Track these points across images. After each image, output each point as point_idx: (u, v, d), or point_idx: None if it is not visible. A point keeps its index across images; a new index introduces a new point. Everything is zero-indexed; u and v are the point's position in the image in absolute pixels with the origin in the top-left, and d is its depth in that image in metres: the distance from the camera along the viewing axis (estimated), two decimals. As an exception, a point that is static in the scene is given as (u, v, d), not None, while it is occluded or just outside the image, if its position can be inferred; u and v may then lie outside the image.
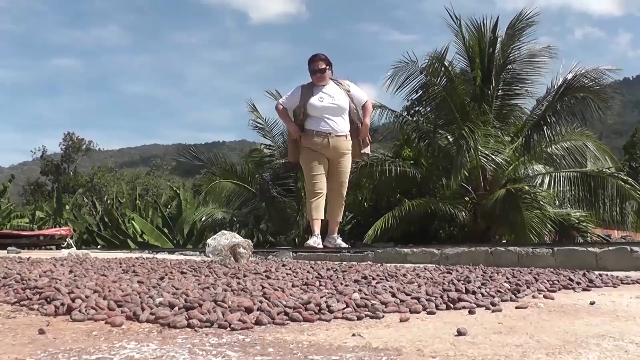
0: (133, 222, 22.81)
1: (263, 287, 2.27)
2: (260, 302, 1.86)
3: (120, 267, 3.76)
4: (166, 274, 3.01)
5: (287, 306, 1.82)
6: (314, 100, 6.02)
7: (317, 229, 6.07)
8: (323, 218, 6.09)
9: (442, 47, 14.70)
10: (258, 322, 1.67)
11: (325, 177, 6.11)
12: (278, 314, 1.75)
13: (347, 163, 6.20)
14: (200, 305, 1.78)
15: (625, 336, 1.49)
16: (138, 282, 2.54)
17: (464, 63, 15.35)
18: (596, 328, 1.63)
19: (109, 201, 33.21)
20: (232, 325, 1.60)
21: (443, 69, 14.70)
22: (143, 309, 1.79)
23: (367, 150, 6.43)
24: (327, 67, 6.18)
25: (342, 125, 6.09)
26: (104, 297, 2.02)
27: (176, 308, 1.79)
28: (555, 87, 14.61)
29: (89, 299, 1.99)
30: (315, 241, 5.90)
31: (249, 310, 1.77)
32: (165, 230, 22.55)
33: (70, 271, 3.21)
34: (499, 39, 14.84)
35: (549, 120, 14.36)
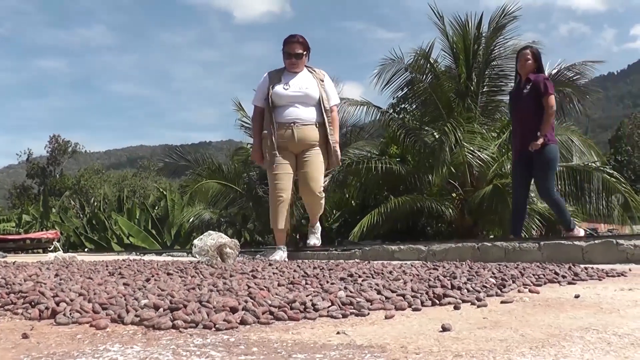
0: (119, 224, 22.72)
1: (249, 287, 2.27)
2: (246, 301, 1.86)
3: (107, 269, 3.74)
4: (152, 276, 3.00)
5: (272, 305, 1.81)
6: (279, 88, 5.59)
7: (280, 241, 5.83)
8: (286, 228, 5.82)
9: (427, 44, 14.76)
10: (243, 322, 1.67)
11: (291, 179, 5.71)
12: (263, 313, 1.75)
13: (316, 156, 5.69)
14: (185, 306, 1.78)
15: (609, 328, 1.49)
16: (124, 284, 2.53)
17: (449, 60, 15.43)
18: (580, 321, 1.64)
19: (95, 203, 33.12)
20: (217, 326, 1.60)
21: (428, 65, 14.77)
22: (128, 311, 1.78)
23: (334, 163, 5.91)
24: (305, 53, 5.72)
25: (309, 113, 5.61)
26: (89, 300, 2.01)
27: (161, 309, 1.78)
28: (540, 82, 14.64)
29: (74, 302, 1.98)
30: (281, 256, 5.58)
31: (234, 310, 1.76)
32: (153, 231, 22.48)
33: (56, 275, 3.19)
34: (483, 35, 14.90)
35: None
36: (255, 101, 5.85)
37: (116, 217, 23.29)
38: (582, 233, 6.57)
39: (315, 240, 6.15)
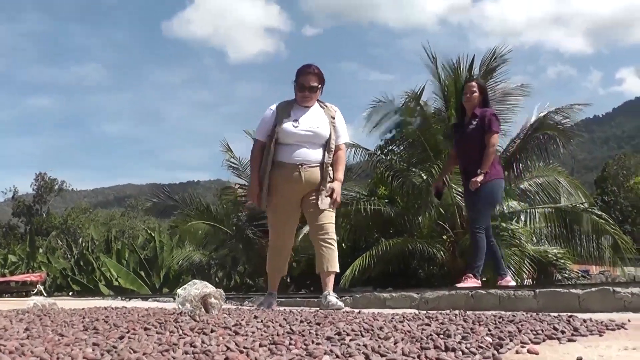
0: (107, 266, 22.50)
1: (227, 349, 2.11)
2: (222, 370, 1.70)
3: (82, 322, 3.56)
4: (128, 331, 2.83)
5: (250, 376, 1.66)
6: (288, 125, 5.06)
7: (273, 286, 5.56)
8: (282, 273, 5.62)
9: (419, 86, 14.88)
10: (218, 396, 1.51)
11: (294, 227, 5.47)
12: (240, 385, 1.59)
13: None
14: (154, 378, 1.61)
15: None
16: (93, 344, 2.36)
17: (439, 102, 15.50)
18: (589, 394, 1.49)
19: (83, 244, 32.84)
20: (188, 402, 1.44)
21: (418, 108, 14.80)
22: (90, 383, 1.61)
23: (325, 204, 5.20)
24: (319, 86, 5.19)
25: (317, 154, 5.10)
26: (50, 367, 1.84)
27: (127, 381, 1.62)
28: (528, 125, 14.78)
29: (33, 369, 1.81)
30: (269, 303, 5.30)
31: (208, 382, 1.60)
32: (142, 273, 22.27)
33: (26, 329, 3.01)
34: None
35: (520, 157, 14.49)
36: (258, 134, 5.32)
37: (104, 259, 23.06)
38: (511, 283, 6.41)
39: (333, 299, 4.97)
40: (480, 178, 6.16)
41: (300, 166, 5.05)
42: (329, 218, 5.24)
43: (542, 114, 14.54)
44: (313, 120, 5.14)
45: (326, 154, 5.14)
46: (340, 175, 5.29)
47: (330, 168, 5.19)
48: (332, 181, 5.19)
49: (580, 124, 15.44)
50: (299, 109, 5.19)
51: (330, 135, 5.15)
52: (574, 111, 14.39)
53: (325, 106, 5.30)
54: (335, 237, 5.31)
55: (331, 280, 5.22)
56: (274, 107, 5.26)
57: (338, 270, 5.31)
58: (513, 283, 6.56)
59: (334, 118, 5.24)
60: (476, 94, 6.39)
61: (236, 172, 19.51)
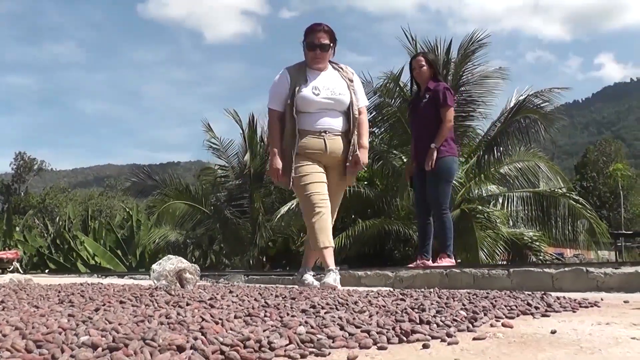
0: (84, 244, 22.35)
1: (202, 319, 2.10)
2: (195, 339, 1.69)
3: (58, 296, 3.54)
4: (104, 304, 2.81)
5: (223, 344, 1.64)
6: (307, 92, 4.68)
7: (331, 262, 4.67)
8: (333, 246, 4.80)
9: (397, 69, 14.78)
10: (190, 363, 1.50)
11: (326, 187, 4.78)
12: (213, 352, 1.58)
13: (343, 185, 5.07)
14: (127, 346, 1.60)
15: (593, 375, 1.36)
16: (69, 315, 2.34)
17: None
18: (560, 364, 1.50)
19: (61, 222, 32.60)
20: (159, 368, 1.43)
21: (398, 89, 14.76)
22: (63, 351, 1.59)
23: (351, 181, 5.10)
24: (331, 45, 4.80)
25: (339, 122, 4.76)
26: (24, 336, 1.82)
27: (99, 349, 1.60)
28: (508, 108, 14.80)
29: (7, 338, 1.78)
30: (335, 279, 4.50)
31: (181, 349, 1.59)
32: (119, 252, 22.16)
33: (1, 301, 2.99)
34: (452, 61, 14.97)
35: (499, 141, 14.51)
36: (273, 103, 4.84)
37: (81, 237, 22.90)
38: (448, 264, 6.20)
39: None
40: (435, 155, 6.05)
41: (324, 133, 4.71)
42: (339, 198, 5.10)
43: (521, 97, 14.58)
44: (333, 85, 4.77)
45: (349, 120, 4.79)
46: (365, 140, 4.90)
47: (355, 135, 4.80)
48: (355, 151, 4.78)
49: (560, 109, 15.50)
50: (313, 72, 4.79)
51: (351, 100, 4.78)
52: (553, 95, 14.44)
53: (340, 68, 4.94)
54: None
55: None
56: (285, 72, 4.81)
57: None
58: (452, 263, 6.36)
59: (351, 81, 4.89)
60: (425, 67, 6.28)
61: (216, 153, 19.43)
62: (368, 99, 15.25)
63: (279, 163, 4.74)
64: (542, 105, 14.33)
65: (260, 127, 19.39)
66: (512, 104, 14.73)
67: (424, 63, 6.31)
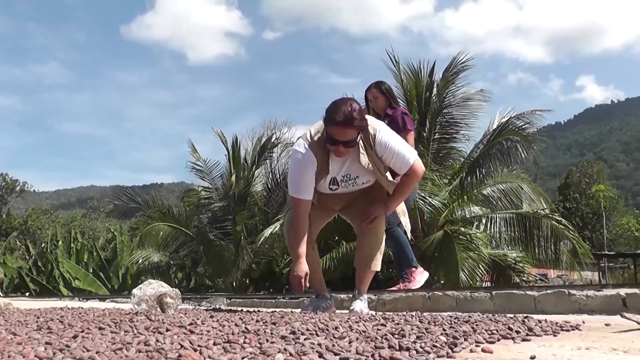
0: (66, 268, 22.20)
1: (181, 346, 2.08)
2: (172, 368, 1.67)
3: (37, 322, 3.50)
4: (82, 331, 2.78)
5: (200, 373, 1.63)
6: (324, 187, 4.08)
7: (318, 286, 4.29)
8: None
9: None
10: (166, 394, 1.48)
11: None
12: (190, 382, 1.57)
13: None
14: (102, 376, 1.58)
15: (571, 403, 1.35)
16: (46, 343, 2.31)
17: (402, 106, 15.53)
18: (538, 391, 1.49)
19: (43, 244, 32.38)
20: (135, 399, 1.41)
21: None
22: (37, 381, 1.58)
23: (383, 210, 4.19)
24: (359, 135, 3.87)
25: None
26: (-1, 364, 1.80)
27: (75, 378, 1.58)
28: (491, 130, 14.93)
29: (-20, 367, 1.76)
30: (318, 306, 4.26)
31: (157, 379, 1.58)
32: (101, 274, 22.03)
33: (-23, 328, 2.95)
34: (436, 83, 15.12)
35: (482, 163, 14.62)
36: (302, 192, 4.00)
37: (62, 260, 22.75)
38: (423, 278, 6.09)
39: (360, 305, 4.29)
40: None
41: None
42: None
43: (504, 119, 14.73)
44: (354, 174, 4.07)
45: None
46: (393, 202, 4.26)
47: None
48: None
49: (542, 130, 15.68)
50: (336, 162, 3.99)
51: (380, 179, 4.09)
52: (535, 117, 14.59)
53: (370, 145, 3.97)
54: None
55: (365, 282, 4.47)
56: (311, 156, 3.94)
57: None
58: (426, 275, 6.25)
59: (379, 155, 3.98)
60: (379, 98, 6.23)
61: (200, 175, 19.42)
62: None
63: (304, 269, 3.97)
64: (524, 127, 14.49)
65: (244, 149, 19.43)
66: (494, 126, 14.89)
67: (376, 95, 6.25)
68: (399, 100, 6.76)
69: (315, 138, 3.96)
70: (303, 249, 3.94)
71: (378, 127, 4.02)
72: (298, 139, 4.14)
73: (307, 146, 3.95)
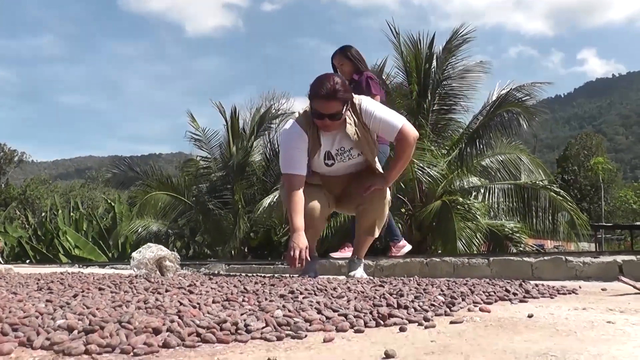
0: (66, 235, 22.24)
1: (180, 304, 2.09)
2: (172, 321, 1.68)
3: (37, 283, 3.52)
4: (82, 291, 2.80)
5: (200, 326, 1.64)
6: (320, 163, 4.09)
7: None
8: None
9: (380, 61, 14.86)
10: (166, 345, 1.49)
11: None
12: (189, 335, 1.57)
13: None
14: (102, 328, 1.59)
15: (568, 355, 1.36)
16: (46, 301, 2.33)
17: (402, 77, 15.50)
18: (536, 345, 1.50)
19: (43, 214, 32.42)
20: (135, 350, 1.42)
21: (380, 82, 14.78)
22: (38, 334, 1.58)
23: (379, 184, 4.16)
24: (344, 107, 3.90)
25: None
26: (0, 319, 1.80)
27: (75, 332, 1.59)
28: (490, 102, 14.88)
29: (-19, 321, 1.77)
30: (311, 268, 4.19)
31: (157, 332, 1.58)
32: (101, 242, 22.08)
33: (-22, 289, 2.97)
34: (435, 55, 15.04)
35: (482, 134, 14.57)
36: (294, 167, 3.99)
37: (64, 228, 22.78)
38: (406, 249, 6.04)
39: (359, 271, 4.35)
40: None
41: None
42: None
43: (503, 91, 14.67)
44: (347, 147, 4.09)
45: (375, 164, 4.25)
46: (392, 171, 4.26)
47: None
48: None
49: (542, 103, 15.59)
50: (326, 136, 4.04)
51: (369, 156, 4.16)
52: (535, 89, 14.53)
53: (357, 114, 4.04)
54: None
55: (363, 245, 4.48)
56: (297, 128, 4.01)
57: None
58: (408, 247, 6.23)
59: (367, 126, 4.06)
60: (345, 64, 6.11)
61: (198, 144, 19.39)
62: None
63: (304, 243, 3.83)
64: (524, 99, 14.41)
65: (242, 120, 19.37)
66: (494, 98, 14.82)
67: (343, 60, 6.12)
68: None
69: (303, 115, 4.03)
70: (301, 222, 3.87)
71: (361, 98, 4.12)
72: (288, 119, 4.21)
73: (296, 123, 4.02)
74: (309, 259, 3.82)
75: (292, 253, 3.73)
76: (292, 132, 4.00)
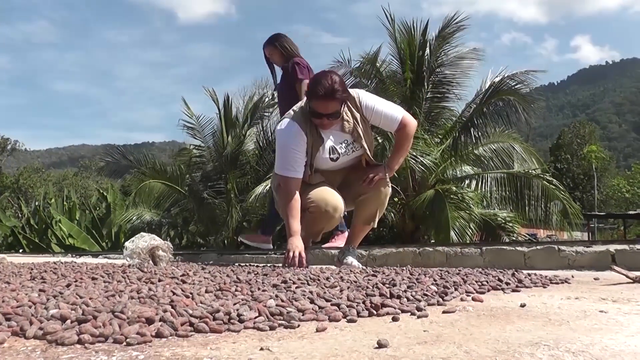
0: (60, 224, 22.16)
1: (173, 294, 2.09)
2: (165, 311, 1.68)
3: (30, 273, 3.52)
4: (75, 281, 2.80)
5: (192, 316, 1.64)
6: (324, 159, 4.01)
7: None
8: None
9: (374, 49, 14.86)
10: (159, 335, 1.49)
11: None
12: (182, 324, 1.57)
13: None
14: (95, 318, 1.59)
15: (561, 344, 1.37)
16: (39, 290, 2.32)
17: (396, 65, 15.49)
18: (529, 334, 1.51)
19: (37, 202, 32.31)
20: (128, 340, 1.42)
21: (374, 71, 14.78)
22: (31, 323, 1.58)
23: (383, 174, 4.10)
24: (341, 107, 3.88)
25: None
26: (-8, 309, 1.80)
27: (68, 321, 1.59)
28: (483, 90, 14.87)
29: (-26, 311, 1.76)
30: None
31: (150, 322, 1.58)
32: (94, 232, 22.02)
33: (-29, 278, 2.96)
34: (429, 43, 15.02)
35: (476, 122, 14.58)
36: (292, 170, 3.93)
37: (58, 217, 22.70)
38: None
39: (351, 259, 4.30)
40: None
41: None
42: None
43: (497, 79, 14.67)
44: (348, 140, 4.07)
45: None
46: (395, 161, 4.26)
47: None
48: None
49: (535, 91, 15.59)
50: (326, 132, 4.00)
51: (366, 147, 4.08)
52: (528, 77, 14.53)
53: (355, 107, 4.03)
54: None
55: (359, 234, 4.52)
56: (295, 126, 3.94)
57: None
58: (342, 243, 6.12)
59: (366, 119, 4.07)
60: (273, 55, 6.00)
61: (191, 133, 19.32)
62: (346, 80, 15.29)
63: (300, 245, 3.85)
64: (517, 87, 14.41)
65: (235, 108, 19.32)
66: (487, 85, 14.81)
67: (272, 50, 5.98)
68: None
69: (300, 112, 3.98)
70: (298, 226, 3.86)
71: (359, 92, 4.11)
72: (283, 118, 4.12)
73: (293, 121, 3.95)
74: (304, 263, 3.77)
75: (290, 255, 3.74)
76: (290, 131, 3.92)
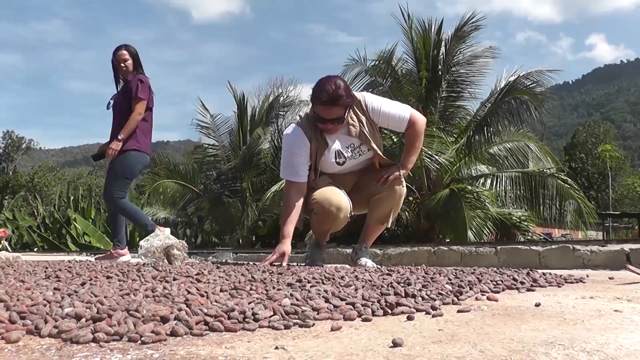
0: (75, 223, 22.27)
1: (188, 292, 2.10)
2: (179, 310, 1.68)
3: (45, 271, 3.53)
4: (90, 279, 2.80)
5: (207, 314, 1.64)
6: (331, 162, 4.00)
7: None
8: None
9: (389, 48, 14.86)
10: (174, 333, 1.49)
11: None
12: (197, 323, 1.58)
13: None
14: (110, 316, 1.59)
15: (575, 343, 1.36)
16: (54, 289, 2.33)
17: (411, 63, 15.48)
18: (543, 334, 1.50)
19: (53, 201, 32.49)
20: (142, 338, 1.42)
21: (389, 70, 14.77)
22: (46, 322, 1.58)
23: (397, 173, 4.07)
24: (345, 112, 3.83)
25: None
26: (8, 307, 1.81)
27: (83, 320, 1.59)
28: (498, 89, 14.83)
29: (-10, 309, 1.77)
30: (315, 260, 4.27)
31: (164, 320, 1.59)
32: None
33: (-13, 276, 2.98)
34: (444, 42, 15.00)
35: (490, 122, 14.53)
36: (290, 174, 4.00)
37: (74, 216, 22.82)
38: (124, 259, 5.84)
39: (365, 259, 4.26)
40: (114, 145, 5.69)
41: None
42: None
43: (512, 78, 14.63)
44: (355, 144, 4.04)
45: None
46: (408, 159, 4.24)
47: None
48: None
49: (549, 90, 15.54)
50: (331, 137, 4.00)
51: (376, 148, 4.05)
52: (543, 77, 14.48)
53: (361, 111, 4.01)
54: None
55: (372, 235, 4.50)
56: (303, 137, 3.95)
57: None
58: (127, 257, 5.97)
59: (370, 120, 4.03)
60: (129, 62, 5.98)
61: (205, 132, 19.39)
62: (361, 79, 15.33)
63: (285, 250, 3.90)
64: (532, 86, 14.36)
65: (250, 107, 19.37)
66: (502, 84, 14.78)
67: (128, 57, 5.99)
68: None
69: (306, 118, 4.01)
70: (290, 230, 3.90)
71: (364, 94, 4.10)
72: (290, 123, 4.16)
73: (299, 127, 3.99)
74: (284, 265, 3.77)
75: (272, 257, 3.85)
76: (293, 137, 3.98)
